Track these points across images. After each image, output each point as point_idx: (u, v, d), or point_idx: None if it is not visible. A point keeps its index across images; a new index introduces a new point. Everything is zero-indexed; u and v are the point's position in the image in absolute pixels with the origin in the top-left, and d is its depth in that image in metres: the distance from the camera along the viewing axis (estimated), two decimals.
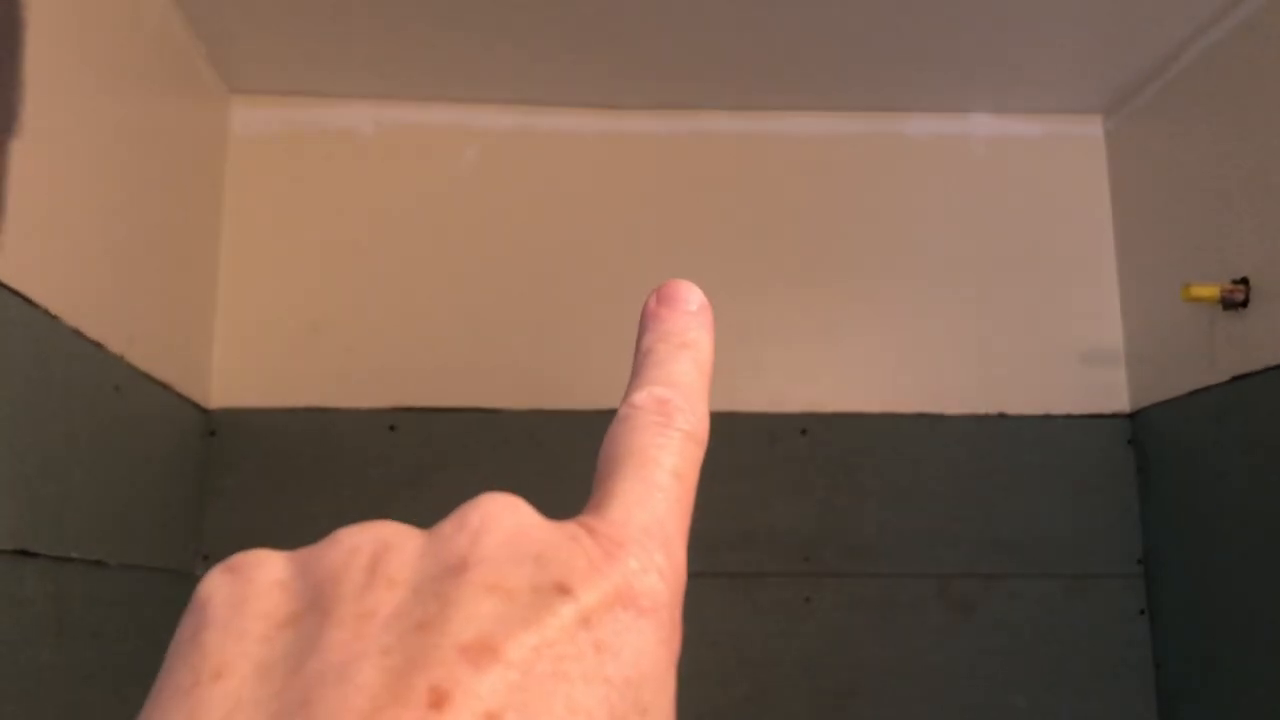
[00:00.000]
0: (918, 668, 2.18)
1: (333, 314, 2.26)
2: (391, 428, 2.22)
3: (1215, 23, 2.02)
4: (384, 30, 2.07)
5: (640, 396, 0.34)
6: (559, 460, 2.22)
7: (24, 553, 1.40)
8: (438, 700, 0.24)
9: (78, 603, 1.57)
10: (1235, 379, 1.94)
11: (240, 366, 2.23)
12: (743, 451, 2.25)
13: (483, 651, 0.25)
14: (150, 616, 1.87)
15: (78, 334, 1.57)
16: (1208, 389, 2.03)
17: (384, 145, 2.34)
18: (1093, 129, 2.43)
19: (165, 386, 1.94)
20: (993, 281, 2.36)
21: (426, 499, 2.19)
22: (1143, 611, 2.23)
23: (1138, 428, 2.28)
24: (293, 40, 2.12)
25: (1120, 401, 2.32)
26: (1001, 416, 2.30)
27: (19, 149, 1.39)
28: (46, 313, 1.47)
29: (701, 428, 0.35)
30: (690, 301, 0.37)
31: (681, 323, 0.36)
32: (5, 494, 1.36)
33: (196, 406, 2.11)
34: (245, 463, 2.18)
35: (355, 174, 2.32)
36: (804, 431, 2.26)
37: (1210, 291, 1.92)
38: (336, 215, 2.30)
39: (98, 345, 1.64)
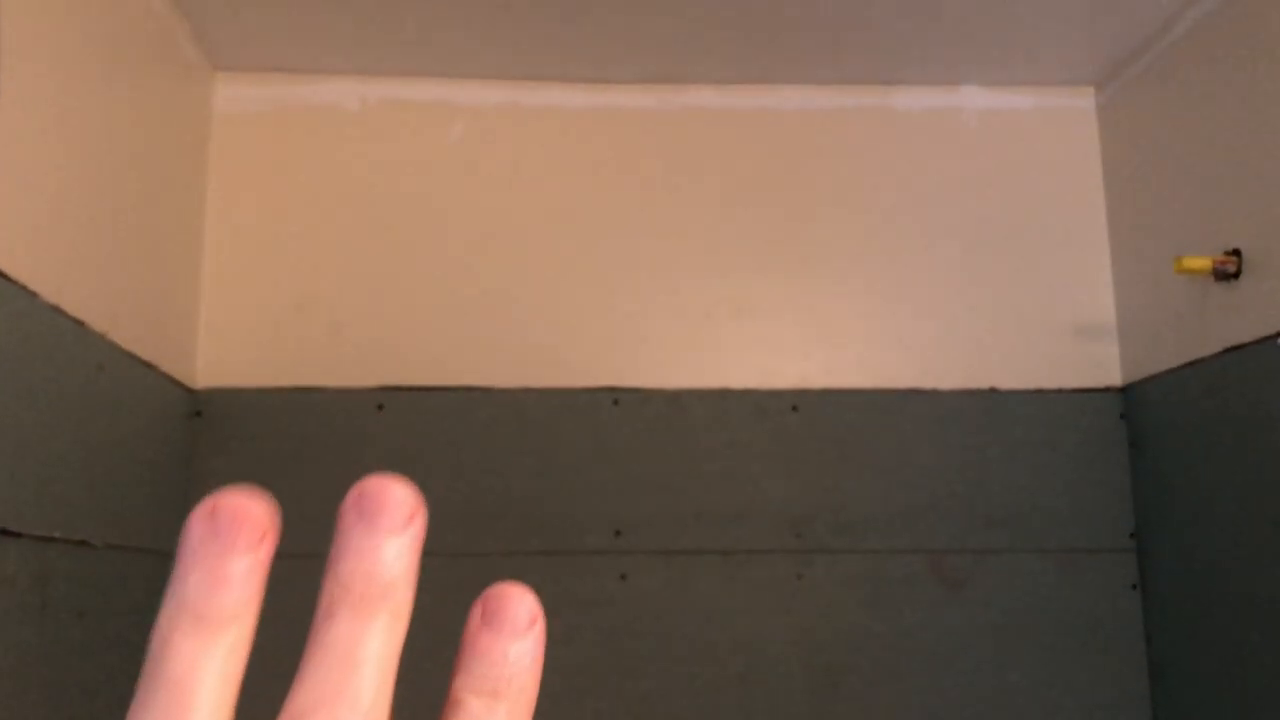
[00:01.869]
0: (910, 643, 2.18)
1: (319, 293, 2.24)
2: (380, 407, 2.20)
3: None
4: (369, 5, 2.05)
5: None
6: (548, 438, 2.21)
7: (5, 532, 1.39)
8: None
9: (62, 583, 1.55)
10: (1228, 350, 1.93)
11: (226, 346, 2.21)
12: (733, 428, 2.24)
13: None
14: (138, 597, 1.85)
15: (57, 311, 1.55)
16: (1200, 361, 2.02)
17: (369, 121, 2.32)
18: (1084, 101, 2.41)
19: (150, 366, 1.92)
20: (984, 256, 2.34)
21: (416, 478, 2.16)
22: (1134, 585, 2.22)
23: (1130, 402, 2.27)
24: (276, 16, 2.09)
25: (1112, 375, 2.31)
26: (993, 391, 2.29)
27: None
28: (24, 289, 1.45)
29: None
30: (519, 618, 0.31)
31: (503, 656, 0.31)
32: None
33: (182, 387, 2.10)
34: (232, 443, 2.17)
35: (341, 151, 2.30)
36: (795, 408, 2.25)
37: (1203, 263, 1.90)
38: (322, 193, 2.28)
39: (78, 323, 1.62)
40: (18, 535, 1.42)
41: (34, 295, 1.48)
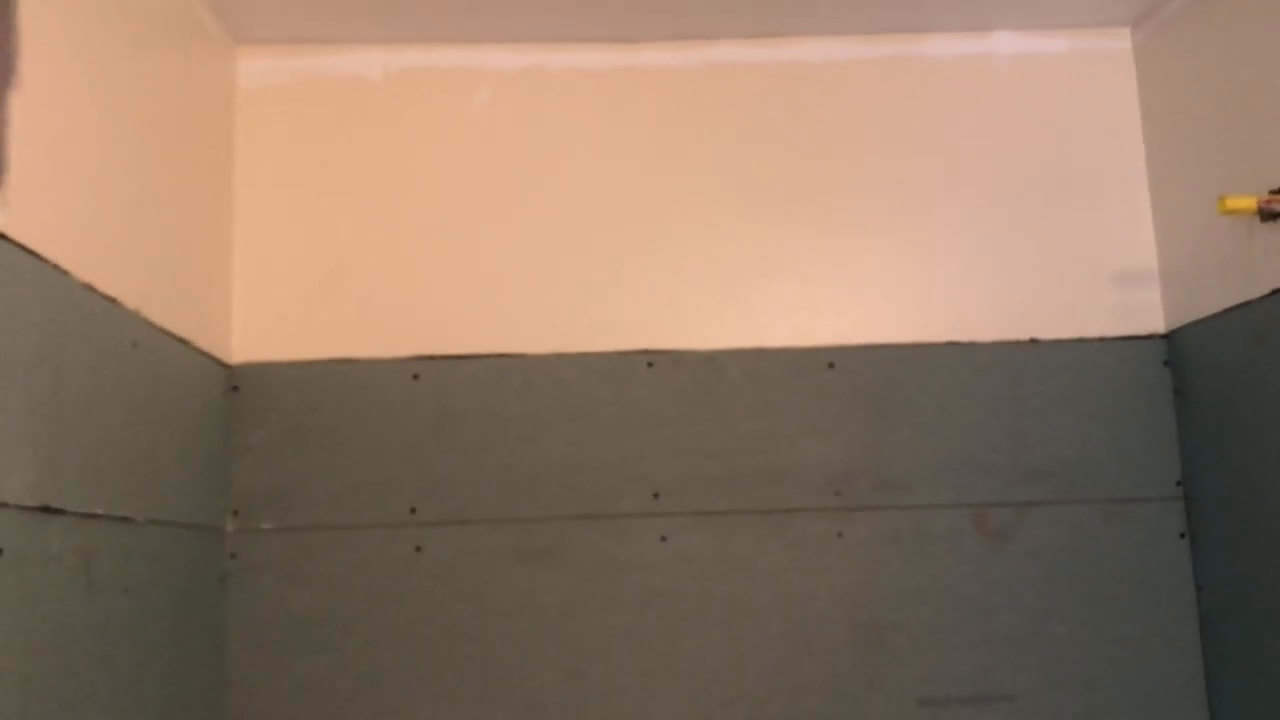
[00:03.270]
0: (954, 599, 2.16)
1: (351, 264, 2.24)
2: (415, 376, 2.20)
3: None
4: None
5: None
6: (583, 403, 2.20)
7: (48, 509, 1.40)
8: None
9: (106, 558, 1.57)
10: (1275, 292, 1.88)
11: (261, 321, 2.21)
12: (769, 387, 2.22)
13: None
14: (180, 571, 1.87)
15: (90, 289, 1.55)
16: (1246, 304, 1.97)
17: (394, 91, 2.30)
18: (1120, 42, 2.35)
19: (185, 342, 1.92)
20: (1020, 204, 2.30)
21: (452, 447, 2.18)
22: (1182, 535, 2.19)
23: (1173, 348, 2.23)
24: None
25: (1155, 322, 2.26)
26: (1033, 342, 2.25)
27: (19, 102, 1.36)
28: (56, 268, 1.45)
29: None
30: None
31: None
32: (25, 451, 1.35)
33: (218, 362, 2.10)
34: (270, 417, 2.18)
35: (366, 122, 2.29)
36: (831, 365, 2.23)
37: (1248, 203, 1.86)
38: (349, 164, 2.27)
39: (112, 301, 1.62)
40: (61, 512, 1.43)
41: (66, 274, 1.48)
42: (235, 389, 2.18)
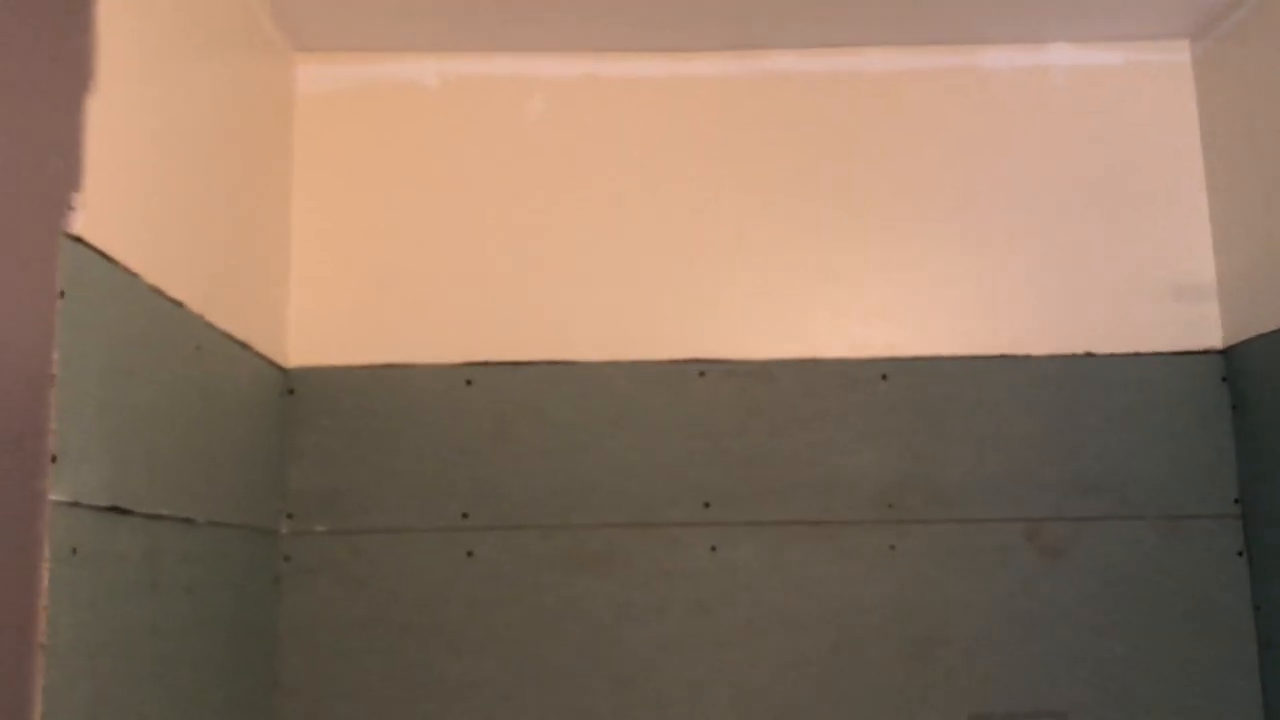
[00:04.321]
0: (1007, 613, 2.14)
1: (406, 270, 2.26)
2: (468, 382, 2.21)
3: None
4: None
5: None
6: (635, 411, 2.20)
7: (118, 509, 1.41)
8: None
9: (170, 559, 1.58)
10: None
11: (316, 325, 2.23)
12: (822, 398, 2.21)
13: None
14: (236, 573, 1.89)
15: (158, 293, 1.57)
16: None
17: (449, 98, 2.32)
18: (1179, 55, 2.33)
19: (244, 346, 1.94)
20: (1077, 217, 2.28)
21: (505, 453, 2.19)
22: (1240, 553, 2.16)
23: (1231, 364, 2.21)
24: None
25: (1213, 337, 2.24)
26: (1089, 356, 2.23)
27: (95, 108, 1.38)
28: (128, 271, 1.47)
29: None
30: None
31: None
32: (98, 451, 1.36)
33: (275, 366, 2.12)
34: (324, 420, 2.19)
35: (422, 128, 2.31)
36: (885, 377, 2.22)
37: None
38: (405, 170, 2.29)
39: (178, 304, 1.64)
40: (130, 513, 1.45)
41: (136, 277, 1.50)
42: (291, 392, 2.19)
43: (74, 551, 1.30)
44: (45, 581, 1.23)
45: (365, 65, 2.32)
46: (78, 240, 1.33)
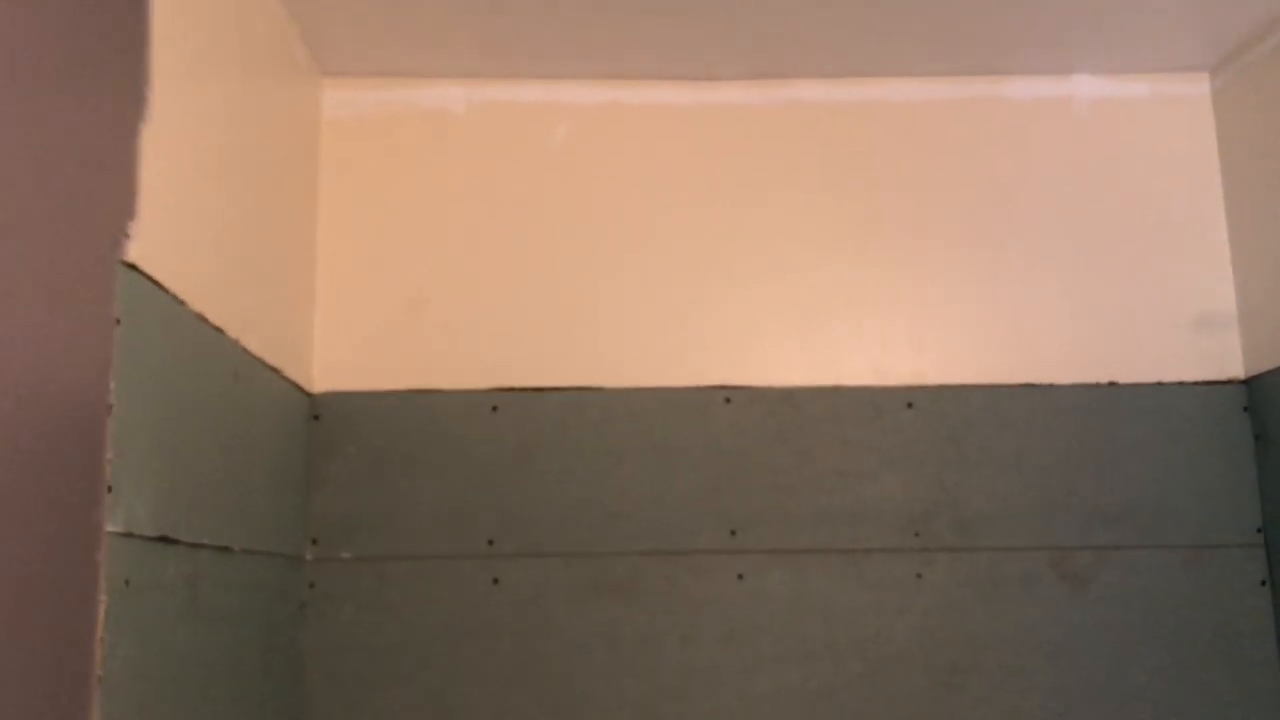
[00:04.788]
0: (1033, 642, 2.15)
1: (431, 296, 2.25)
2: (494, 409, 2.20)
3: None
4: (471, 8, 2.05)
5: None
6: (660, 438, 2.20)
7: (165, 539, 1.40)
8: None
9: (209, 588, 1.57)
10: None
11: (341, 350, 2.22)
12: (847, 426, 2.22)
13: None
14: (266, 601, 1.87)
15: (201, 319, 1.57)
16: None
17: (476, 124, 2.32)
18: (1199, 87, 2.36)
19: (276, 371, 1.93)
20: (1099, 247, 2.30)
21: (531, 479, 2.19)
22: (1264, 582, 2.17)
23: (1254, 394, 2.22)
24: (383, 20, 2.10)
25: (1235, 367, 2.26)
26: (1112, 385, 2.24)
27: (149, 134, 1.38)
28: (175, 299, 1.47)
29: None
30: None
31: None
32: (149, 480, 1.35)
33: (301, 391, 2.11)
34: (349, 446, 2.18)
35: (448, 154, 2.31)
36: (910, 405, 2.23)
37: None
38: (430, 196, 2.29)
39: (219, 331, 1.64)
40: (176, 542, 1.44)
41: (183, 304, 1.49)
42: (316, 418, 2.18)
43: (127, 583, 1.28)
44: (102, 614, 1.22)
45: (392, 90, 2.32)
46: (132, 268, 1.32)
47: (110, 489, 1.25)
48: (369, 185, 2.29)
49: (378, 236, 2.27)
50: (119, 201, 1.32)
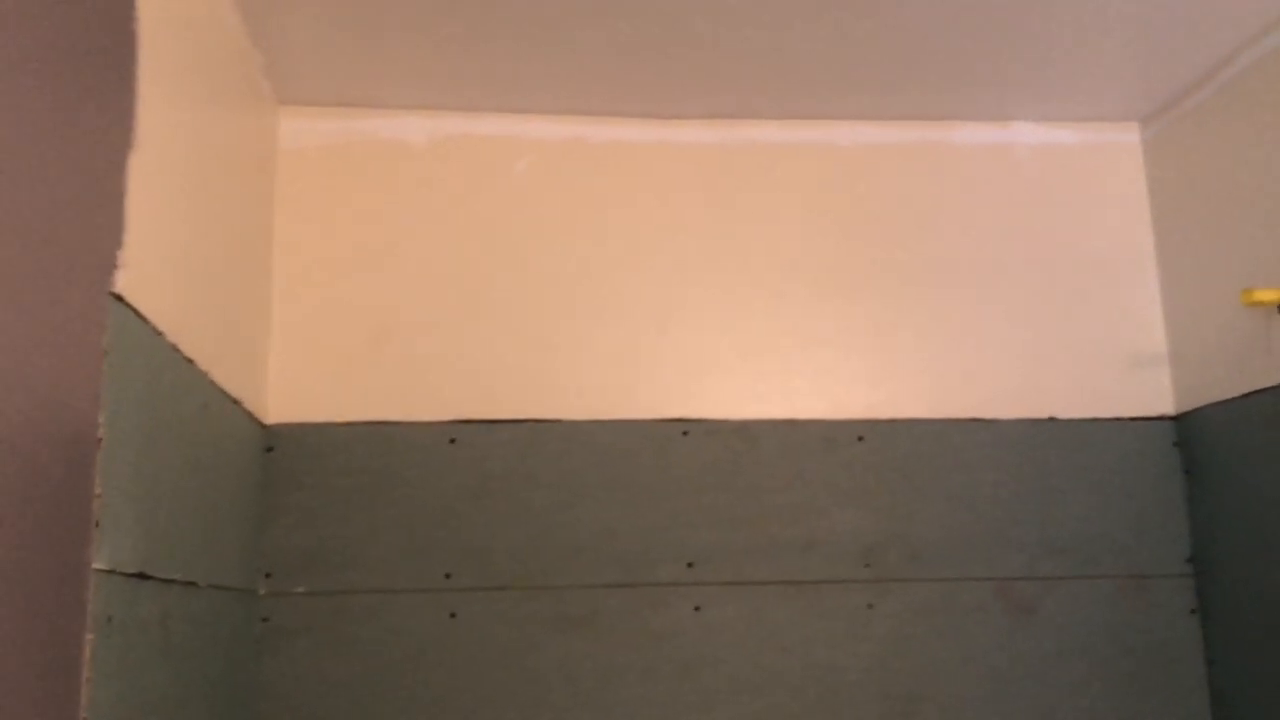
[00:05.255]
0: (982, 670, 2.21)
1: (388, 328, 2.24)
2: (451, 440, 2.20)
3: (1263, 36, 2.06)
4: (435, 42, 2.06)
5: None
6: (618, 470, 2.22)
7: (142, 575, 1.37)
8: None
9: (178, 624, 1.54)
10: None
11: (296, 381, 2.20)
12: (801, 459, 2.26)
13: None
14: (226, 636, 1.84)
15: (176, 350, 1.54)
16: (1263, 391, 2.07)
17: (436, 157, 2.32)
18: (1129, 136, 2.48)
19: (237, 403, 1.91)
20: (1039, 287, 2.39)
21: (488, 512, 2.18)
22: (1193, 611, 2.27)
23: (1183, 430, 2.33)
24: (344, 51, 2.10)
25: (1165, 404, 2.36)
26: (1052, 420, 2.33)
27: (136, 165, 1.36)
28: (155, 330, 1.44)
29: None
30: None
31: None
32: (130, 516, 1.33)
33: (257, 422, 2.08)
34: (305, 478, 2.16)
35: (407, 185, 2.31)
36: (861, 438, 2.28)
37: (1273, 295, 1.96)
38: (389, 228, 2.28)
39: (190, 363, 1.61)
40: (149, 578, 1.41)
41: (160, 335, 1.47)
42: (269, 450, 2.15)
43: (109, 620, 1.26)
44: (88, 653, 1.19)
45: (351, 120, 2.31)
46: (119, 299, 1.31)
47: (98, 524, 1.22)
48: (326, 216, 2.28)
49: (335, 268, 2.26)
50: (109, 233, 1.30)
